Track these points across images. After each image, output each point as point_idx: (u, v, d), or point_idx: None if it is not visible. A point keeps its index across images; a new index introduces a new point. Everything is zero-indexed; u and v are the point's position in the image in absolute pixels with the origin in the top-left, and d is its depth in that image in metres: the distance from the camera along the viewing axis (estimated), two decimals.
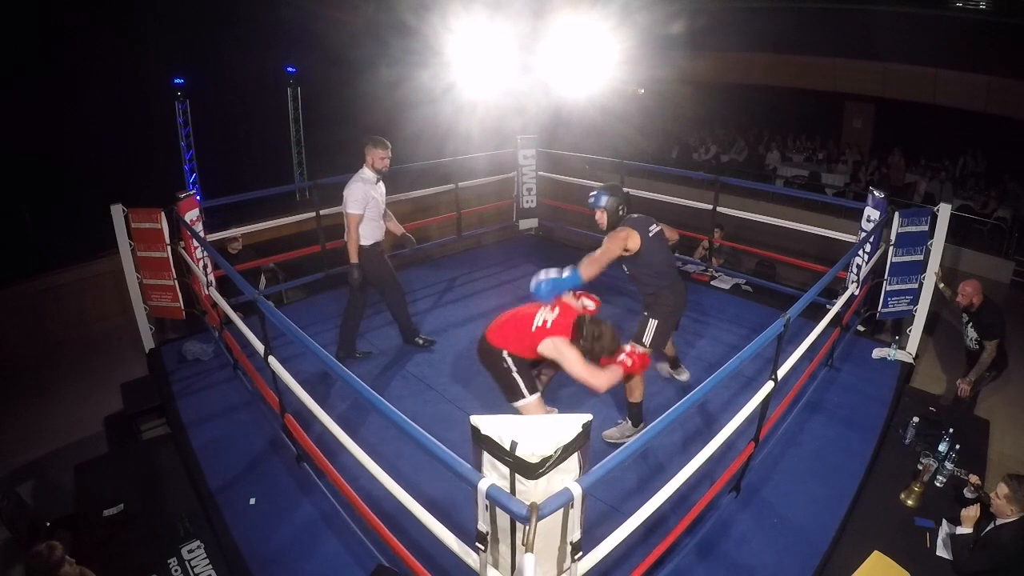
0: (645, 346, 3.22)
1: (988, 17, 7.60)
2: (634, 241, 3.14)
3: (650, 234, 3.22)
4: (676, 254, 6.06)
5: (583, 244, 6.64)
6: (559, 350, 2.74)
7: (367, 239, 3.86)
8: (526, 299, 3.28)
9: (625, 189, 3.40)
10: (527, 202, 6.64)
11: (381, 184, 3.94)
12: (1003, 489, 2.41)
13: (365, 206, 3.77)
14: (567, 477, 1.59)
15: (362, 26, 7.64)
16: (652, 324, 3.25)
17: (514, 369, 2.85)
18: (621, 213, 3.26)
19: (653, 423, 1.88)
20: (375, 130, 7.84)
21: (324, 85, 8.44)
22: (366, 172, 3.83)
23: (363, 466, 2.22)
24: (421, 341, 4.37)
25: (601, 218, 3.28)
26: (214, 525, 2.76)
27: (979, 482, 2.79)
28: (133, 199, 4.04)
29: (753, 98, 10.65)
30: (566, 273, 2.85)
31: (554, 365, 2.94)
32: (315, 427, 2.79)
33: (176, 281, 4.19)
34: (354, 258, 3.81)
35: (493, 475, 1.59)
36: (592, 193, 3.30)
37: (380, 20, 7.61)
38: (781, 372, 2.61)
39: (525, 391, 2.84)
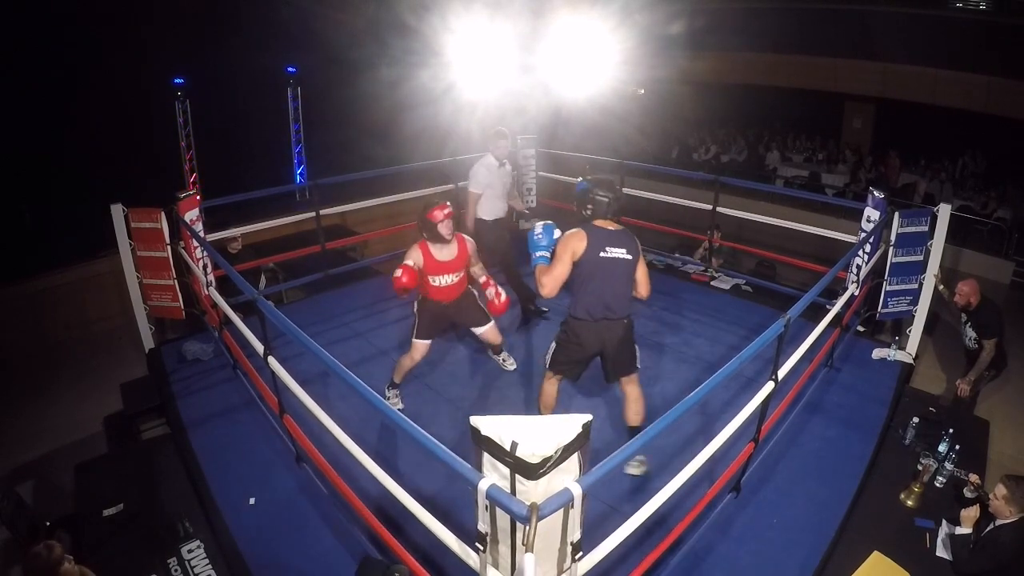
0: (545, 363, 2.99)
1: (988, 17, 7.60)
2: (579, 247, 2.69)
3: (605, 254, 2.69)
4: (676, 254, 6.09)
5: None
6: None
7: (487, 215, 4.40)
8: (416, 312, 3.50)
9: (614, 190, 2.81)
10: (527, 202, 6.64)
11: (506, 167, 4.45)
12: (1001, 490, 2.41)
13: (485, 187, 4.32)
14: (567, 477, 1.59)
15: (362, 26, 7.63)
16: (552, 346, 2.95)
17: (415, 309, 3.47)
18: (587, 213, 2.80)
19: (653, 423, 1.88)
20: (375, 130, 7.97)
21: (324, 85, 8.44)
22: (489, 158, 4.35)
23: (363, 466, 2.22)
24: (533, 308, 4.67)
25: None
26: (214, 525, 2.76)
27: (979, 481, 2.79)
28: (133, 199, 4.04)
29: (753, 98, 10.66)
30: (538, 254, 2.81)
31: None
32: (315, 427, 2.78)
33: (176, 281, 4.19)
34: (470, 225, 4.36)
35: (493, 475, 1.59)
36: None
37: (380, 20, 7.60)
38: (781, 372, 2.61)
39: (414, 333, 3.45)
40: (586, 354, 2.87)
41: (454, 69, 6.03)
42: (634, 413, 2.96)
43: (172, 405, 3.67)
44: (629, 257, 2.74)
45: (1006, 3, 7.43)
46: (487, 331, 3.63)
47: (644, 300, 2.98)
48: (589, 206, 2.78)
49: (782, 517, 2.79)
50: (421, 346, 3.47)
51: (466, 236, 3.50)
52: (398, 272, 3.20)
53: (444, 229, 3.27)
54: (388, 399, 3.57)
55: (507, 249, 4.59)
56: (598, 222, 2.77)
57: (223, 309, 3.41)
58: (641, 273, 2.84)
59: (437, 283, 3.40)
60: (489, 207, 4.38)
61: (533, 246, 2.82)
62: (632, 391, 2.97)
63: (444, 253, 3.36)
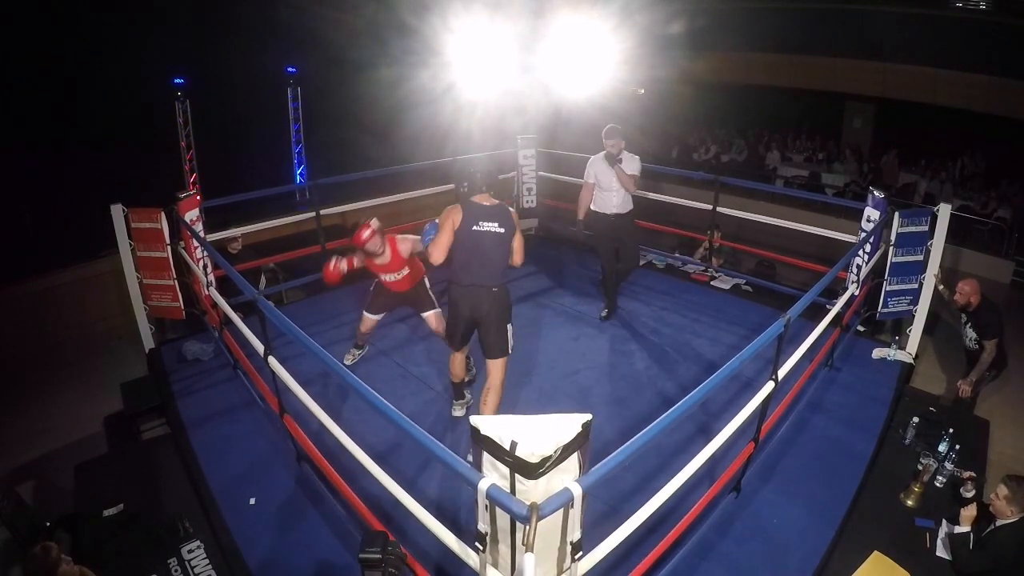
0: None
1: (988, 17, 7.60)
2: (456, 218, 3.00)
3: (479, 227, 2.99)
4: (677, 254, 6.09)
5: (583, 243, 6.65)
6: None
7: (595, 206, 4.60)
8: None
9: (485, 168, 3.13)
10: (527, 202, 6.64)
11: (621, 164, 4.46)
12: (1003, 490, 2.41)
13: (591, 178, 4.54)
14: (567, 477, 1.59)
15: (362, 26, 7.62)
16: (443, 309, 3.47)
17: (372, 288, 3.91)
18: (463, 189, 3.14)
19: (653, 423, 1.88)
20: (375, 130, 7.96)
21: (324, 85, 8.44)
22: (602, 152, 4.49)
23: (363, 466, 2.22)
24: (603, 313, 4.83)
25: None
26: (214, 525, 2.76)
27: (973, 475, 2.78)
28: (133, 199, 4.03)
29: (753, 98, 10.65)
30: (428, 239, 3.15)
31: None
32: (315, 427, 2.79)
33: (176, 281, 4.19)
34: (579, 216, 4.69)
35: (493, 475, 1.59)
36: None
37: (380, 20, 7.60)
38: (781, 372, 2.61)
39: (365, 305, 3.92)
40: (462, 317, 3.14)
41: (454, 69, 6.02)
42: (485, 401, 3.12)
43: (172, 405, 3.67)
44: (501, 231, 3.01)
45: (1006, 3, 7.42)
46: (431, 316, 3.91)
47: (518, 266, 3.23)
48: (465, 183, 3.10)
49: (782, 517, 2.79)
50: (368, 319, 3.94)
51: (398, 237, 3.71)
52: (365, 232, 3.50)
53: (371, 247, 3.54)
54: (346, 355, 4.11)
55: (608, 246, 4.66)
56: (476, 197, 3.05)
57: (223, 309, 3.41)
58: (516, 243, 3.10)
59: (385, 279, 3.76)
60: (596, 199, 4.58)
61: (424, 237, 3.22)
62: (493, 377, 3.14)
63: (381, 260, 3.65)
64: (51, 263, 5.84)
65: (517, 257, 3.14)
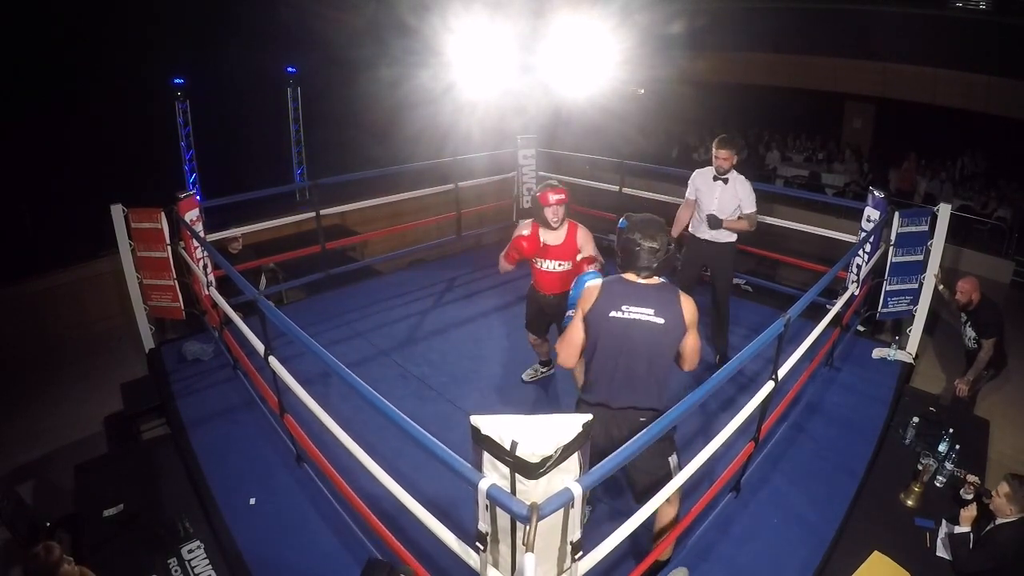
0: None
1: (988, 17, 7.61)
2: (587, 301, 2.15)
3: (620, 314, 2.09)
4: (677, 255, 6.08)
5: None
6: None
7: (691, 227, 4.10)
8: (524, 300, 3.39)
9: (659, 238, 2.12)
10: (527, 202, 6.63)
11: (726, 183, 3.88)
12: (1004, 488, 2.41)
13: (692, 194, 4.05)
14: (567, 477, 1.59)
15: (362, 26, 7.63)
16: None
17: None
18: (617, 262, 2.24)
19: (653, 423, 1.88)
20: (375, 130, 7.97)
21: (324, 85, 8.44)
22: (709, 167, 3.99)
23: (363, 466, 2.23)
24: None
25: None
26: (214, 525, 2.76)
27: (978, 481, 2.78)
28: (133, 199, 4.03)
29: (753, 98, 10.67)
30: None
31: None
32: (315, 427, 2.79)
33: (176, 281, 4.19)
34: (672, 233, 4.00)
35: (493, 475, 1.59)
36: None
37: (380, 20, 7.61)
38: (781, 372, 2.61)
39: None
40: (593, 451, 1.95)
41: (454, 69, 6.02)
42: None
43: (172, 405, 3.67)
44: (660, 321, 2.08)
45: (1006, 3, 7.43)
46: None
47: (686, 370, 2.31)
48: (628, 247, 2.14)
49: (782, 517, 2.79)
50: (529, 335, 3.69)
51: (581, 225, 3.30)
52: (525, 231, 3.22)
53: (550, 214, 3.18)
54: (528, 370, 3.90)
55: (687, 271, 4.11)
56: (627, 275, 2.17)
57: (223, 309, 3.41)
58: (691, 343, 2.20)
59: (540, 266, 3.33)
60: (694, 219, 4.06)
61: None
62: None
63: (551, 237, 3.27)
64: (51, 263, 5.84)
65: (687, 362, 2.25)
